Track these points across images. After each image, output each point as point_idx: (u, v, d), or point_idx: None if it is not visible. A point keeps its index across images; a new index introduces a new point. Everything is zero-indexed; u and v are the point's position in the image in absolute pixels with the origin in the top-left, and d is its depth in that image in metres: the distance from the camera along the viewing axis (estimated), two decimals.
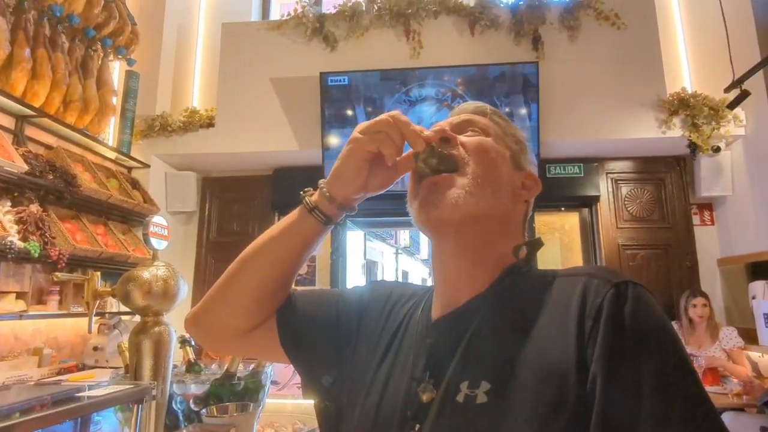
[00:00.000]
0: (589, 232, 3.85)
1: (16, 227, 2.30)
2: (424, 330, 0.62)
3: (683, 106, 3.37)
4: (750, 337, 3.12)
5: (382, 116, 0.61)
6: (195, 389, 1.28)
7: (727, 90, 3.16)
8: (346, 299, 0.73)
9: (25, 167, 2.39)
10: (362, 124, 0.63)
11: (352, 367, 0.67)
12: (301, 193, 0.68)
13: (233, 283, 0.69)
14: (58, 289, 2.71)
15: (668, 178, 3.73)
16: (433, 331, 0.61)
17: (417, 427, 0.53)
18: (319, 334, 0.69)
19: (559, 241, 4.73)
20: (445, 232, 0.62)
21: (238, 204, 4.00)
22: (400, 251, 9.37)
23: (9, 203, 2.40)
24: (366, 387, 0.62)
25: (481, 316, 0.56)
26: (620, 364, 0.46)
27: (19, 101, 2.56)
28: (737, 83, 3.01)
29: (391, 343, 0.65)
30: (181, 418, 1.28)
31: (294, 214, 0.68)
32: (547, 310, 0.53)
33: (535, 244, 0.62)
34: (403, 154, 0.63)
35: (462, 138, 0.63)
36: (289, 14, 3.75)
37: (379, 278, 7.71)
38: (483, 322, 0.56)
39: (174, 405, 1.29)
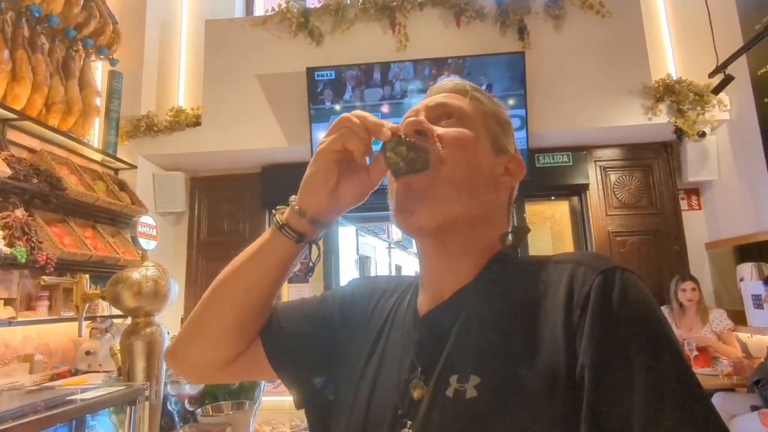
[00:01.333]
0: (579, 220, 3.88)
1: (1, 233, 2.26)
2: (411, 325, 0.61)
3: (668, 92, 3.40)
4: (739, 318, 3.17)
5: (343, 115, 0.59)
6: (190, 389, 1.27)
7: (711, 75, 3.19)
8: (328, 303, 0.71)
9: (9, 171, 2.34)
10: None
11: (340, 366, 0.66)
12: (273, 211, 0.65)
13: (209, 313, 0.64)
14: (47, 294, 2.67)
15: (656, 165, 3.76)
16: (420, 325, 0.60)
17: (408, 423, 0.52)
18: (308, 345, 0.67)
19: (550, 230, 4.76)
20: (424, 236, 0.61)
21: (228, 203, 3.98)
22: (392, 245, 9.39)
23: None
24: (355, 384, 0.61)
25: (469, 309, 0.56)
26: (610, 352, 0.45)
27: (0, 104, 2.51)
28: (721, 68, 3.04)
29: (378, 338, 0.64)
30: (176, 419, 1.28)
31: (266, 234, 0.65)
32: (535, 300, 0.52)
33: (521, 231, 0.61)
34: (375, 155, 0.60)
35: (439, 130, 0.60)
36: (273, 9, 3.71)
37: (372, 273, 7.70)
38: (470, 315, 0.55)
39: (169, 406, 1.28)
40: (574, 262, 0.52)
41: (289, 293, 3.90)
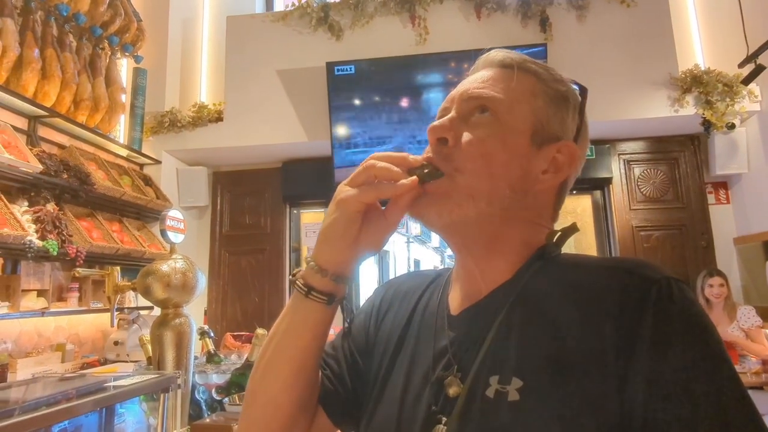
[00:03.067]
0: (601, 214, 3.82)
1: (33, 227, 2.34)
2: (444, 322, 0.59)
3: (696, 83, 3.31)
4: None
5: (368, 162, 0.55)
6: (216, 379, 1.30)
7: (741, 65, 3.09)
8: (355, 334, 0.68)
9: (40, 167, 2.42)
10: (344, 182, 0.56)
11: (371, 365, 0.64)
12: (290, 278, 0.62)
13: (265, 407, 0.60)
14: (77, 286, 2.76)
15: (682, 158, 3.67)
16: (456, 322, 0.58)
17: (443, 420, 0.51)
18: (359, 385, 0.65)
19: (573, 226, 4.69)
20: (440, 232, 0.59)
21: (249, 197, 4.03)
22: (411, 240, 9.39)
23: (26, 203, 2.44)
24: (384, 380, 0.60)
25: (509, 308, 0.53)
26: (666, 371, 0.44)
27: (31, 102, 2.59)
28: (751, 58, 2.95)
29: (405, 335, 0.62)
30: (204, 407, 1.31)
31: (292, 304, 0.60)
32: (580, 306, 0.49)
33: (569, 231, 0.58)
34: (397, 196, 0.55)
35: (463, 137, 0.56)
36: (293, 5, 3.73)
37: (391, 267, 7.72)
38: (510, 314, 0.53)
39: (197, 395, 1.31)
40: (624, 270, 0.50)
41: None
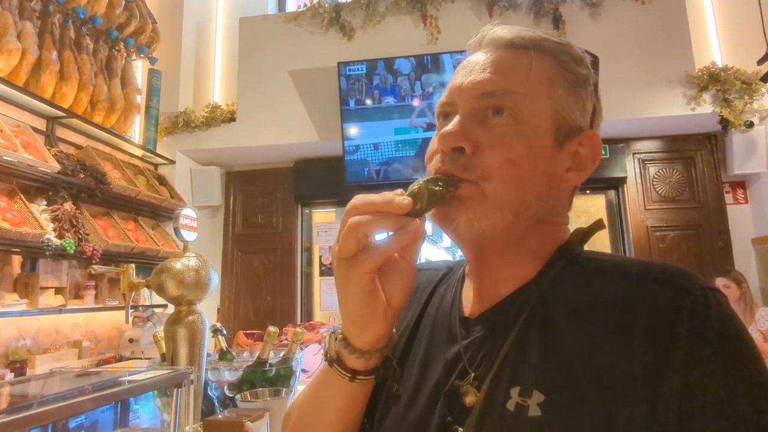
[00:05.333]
0: (616, 214, 3.77)
1: (51, 225, 2.39)
2: (458, 324, 0.55)
3: (713, 80, 3.25)
4: None
5: (351, 219, 0.47)
6: (229, 376, 1.32)
7: (761, 62, 3.03)
8: None
9: (58, 167, 2.47)
10: (334, 247, 0.48)
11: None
12: (324, 358, 0.54)
13: None
14: (93, 284, 2.81)
15: (698, 157, 3.61)
16: (472, 325, 0.54)
17: (459, 430, 0.48)
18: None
19: (585, 225, 4.64)
20: (464, 244, 0.55)
21: (262, 197, 4.06)
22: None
23: (44, 202, 2.49)
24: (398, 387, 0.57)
25: (529, 313, 0.49)
26: (701, 392, 0.40)
27: (50, 103, 2.64)
28: None
29: (415, 334, 0.59)
30: (216, 403, 1.33)
31: (329, 387, 0.54)
32: (608, 319, 0.45)
33: (595, 228, 0.54)
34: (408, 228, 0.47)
35: (484, 143, 0.50)
36: (305, 5, 3.75)
37: None
38: (531, 321, 0.49)
39: (209, 391, 1.33)
40: (655, 280, 0.46)
41: (321, 286, 3.96)
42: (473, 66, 0.53)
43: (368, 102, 3.48)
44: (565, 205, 0.56)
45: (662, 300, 0.44)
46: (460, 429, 0.48)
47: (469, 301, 0.57)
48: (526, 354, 0.48)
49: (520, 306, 0.50)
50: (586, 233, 0.54)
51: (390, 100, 3.46)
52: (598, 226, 0.54)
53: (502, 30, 0.53)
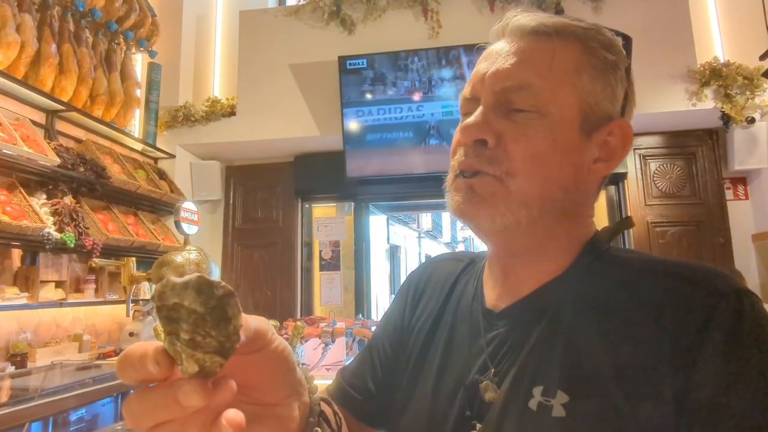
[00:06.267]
0: (616, 210, 3.77)
1: (51, 219, 2.39)
2: (481, 318, 0.54)
3: (715, 76, 3.24)
4: None
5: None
6: None
7: (763, 57, 3.02)
8: (388, 325, 0.65)
9: (58, 161, 2.46)
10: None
11: (402, 355, 0.61)
12: None
13: None
14: (93, 277, 2.80)
15: (699, 152, 3.61)
16: (495, 321, 0.53)
17: (478, 426, 0.48)
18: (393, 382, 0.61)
19: None
20: (489, 239, 0.54)
21: (262, 191, 4.06)
22: (422, 235, 9.37)
23: (44, 196, 2.49)
24: (416, 375, 0.57)
25: (553, 310, 0.48)
26: (733, 398, 0.39)
27: (49, 96, 2.63)
28: None
29: (437, 326, 0.58)
30: None
31: None
32: (637, 319, 0.44)
33: (624, 225, 0.54)
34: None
35: (507, 136, 0.48)
36: None
37: (402, 263, 7.71)
38: (556, 318, 0.47)
39: None
40: (687, 280, 0.44)
41: (321, 280, 3.97)
42: (495, 57, 0.51)
43: (368, 96, 3.46)
44: (592, 197, 0.54)
45: (695, 302, 0.42)
46: (479, 425, 0.48)
47: (492, 294, 0.56)
48: (550, 352, 0.46)
49: (546, 302, 0.49)
50: (615, 230, 0.53)
51: (390, 94, 3.45)
52: (626, 223, 0.54)
53: (525, 18, 0.52)
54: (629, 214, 3.59)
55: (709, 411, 0.39)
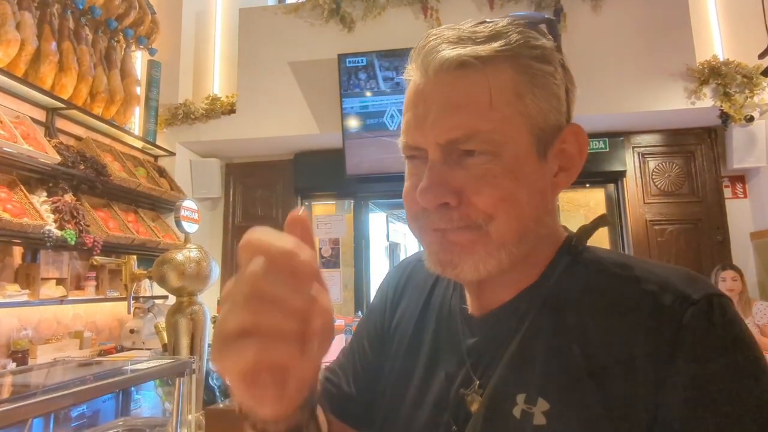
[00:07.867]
0: (615, 208, 3.78)
1: (52, 216, 2.39)
2: (461, 325, 0.54)
3: (714, 74, 3.25)
4: None
5: (239, 286, 0.33)
6: None
7: (762, 56, 3.02)
8: (371, 327, 0.64)
9: (58, 158, 2.47)
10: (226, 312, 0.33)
11: (386, 364, 0.60)
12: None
13: None
14: (94, 275, 2.82)
15: (698, 151, 3.61)
16: (475, 328, 0.53)
17: None
18: (374, 386, 0.61)
19: (584, 219, 4.65)
20: (468, 285, 0.54)
21: (261, 189, 4.06)
22: None
23: (45, 193, 2.50)
24: (399, 381, 0.57)
25: (533, 317, 0.48)
26: (707, 402, 0.40)
27: (49, 94, 2.63)
28: None
29: (420, 329, 0.58)
30: (217, 393, 1.34)
31: None
32: (609, 322, 0.45)
33: (599, 224, 0.52)
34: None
35: (470, 190, 0.46)
36: None
37: (401, 259, 7.71)
38: (536, 323, 0.48)
39: (210, 381, 1.34)
40: (659, 285, 0.45)
41: None
42: (429, 103, 0.47)
43: (368, 94, 3.47)
44: (554, 206, 0.53)
45: (666, 308, 0.43)
46: None
47: (472, 298, 0.55)
48: (530, 358, 0.47)
49: (524, 309, 0.49)
50: (591, 229, 0.52)
51: (390, 92, 3.45)
52: (601, 221, 0.53)
53: (446, 48, 0.47)
54: (605, 213, 3.60)
55: (681, 424, 0.40)
